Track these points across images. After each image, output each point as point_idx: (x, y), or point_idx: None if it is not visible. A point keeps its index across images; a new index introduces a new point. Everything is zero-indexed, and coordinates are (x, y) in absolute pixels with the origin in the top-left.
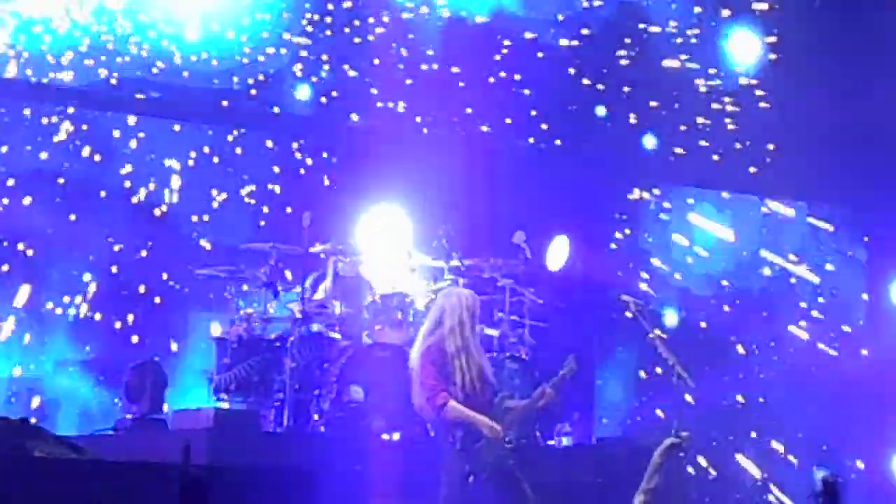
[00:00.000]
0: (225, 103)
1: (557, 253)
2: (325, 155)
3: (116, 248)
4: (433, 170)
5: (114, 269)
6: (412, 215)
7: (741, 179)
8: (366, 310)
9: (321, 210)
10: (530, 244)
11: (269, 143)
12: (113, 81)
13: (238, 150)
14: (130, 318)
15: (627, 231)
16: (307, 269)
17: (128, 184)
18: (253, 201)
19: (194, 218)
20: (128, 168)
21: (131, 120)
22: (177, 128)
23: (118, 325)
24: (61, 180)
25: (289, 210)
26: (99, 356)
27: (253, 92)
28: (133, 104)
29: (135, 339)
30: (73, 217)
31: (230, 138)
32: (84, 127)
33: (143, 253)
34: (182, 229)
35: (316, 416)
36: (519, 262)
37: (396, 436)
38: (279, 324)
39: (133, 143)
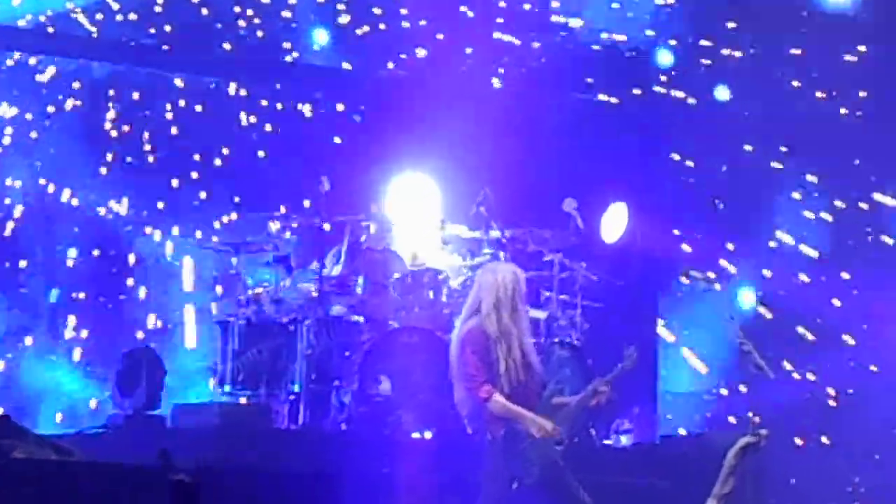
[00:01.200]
0: (228, 46)
1: (614, 222)
2: (340, 108)
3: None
4: (469, 128)
5: (96, 251)
6: (445, 180)
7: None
8: (393, 288)
9: (342, 175)
10: (582, 212)
11: (280, 103)
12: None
13: (243, 107)
14: (122, 297)
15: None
16: (326, 243)
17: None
18: (263, 161)
19: (194, 174)
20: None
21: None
22: (178, 82)
23: (108, 306)
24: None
25: (305, 175)
26: (86, 342)
27: (260, 34)
28: (134, 54)
29: (129, 322)
30: (52, 188)
31: (232, 91)
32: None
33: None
34: (181, 193)
35: (336, 412)
36: (569, 233)
37: (428, 434)
38: (293, 305)
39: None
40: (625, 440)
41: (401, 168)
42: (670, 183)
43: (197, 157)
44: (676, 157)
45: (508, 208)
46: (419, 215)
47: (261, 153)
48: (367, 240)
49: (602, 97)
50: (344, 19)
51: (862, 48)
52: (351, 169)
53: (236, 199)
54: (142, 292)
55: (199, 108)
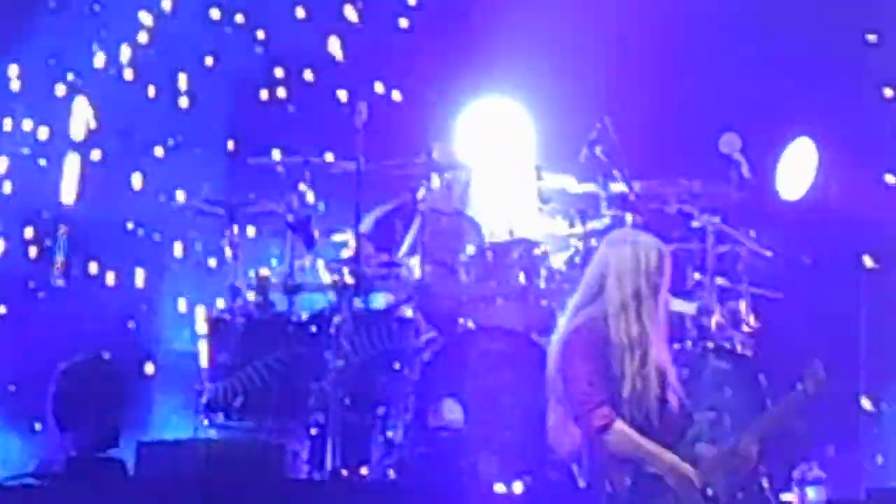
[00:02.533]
0: None
1: (797, 169)
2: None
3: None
4: (578, 30)
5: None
6: (543, 108)
7: None
8: (466, 270)
9: (389, 101)
10: (748, 155)
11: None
12: None
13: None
14: (60, 283)
15: None
16: (365, 202)
17: None
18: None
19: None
20: None
21: None
22: None
23: (40, 294)
24: None
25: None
26: (4, 349)
27: None
28: None
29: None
30: None
31: None
32: None
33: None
34: (144, 133)
35: (381, 454)
36: (730, 185)
37: (519, 486)
38: (316, 295)
39: None
40: (814, 495)
41: (478, 90)
42: (881, 109)
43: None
44: None
45: (638, 150)
46: (505, 161)
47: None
48: (428, 198)
49: None
50: None
51: None
52: (403, 92)
53: (230, 145)
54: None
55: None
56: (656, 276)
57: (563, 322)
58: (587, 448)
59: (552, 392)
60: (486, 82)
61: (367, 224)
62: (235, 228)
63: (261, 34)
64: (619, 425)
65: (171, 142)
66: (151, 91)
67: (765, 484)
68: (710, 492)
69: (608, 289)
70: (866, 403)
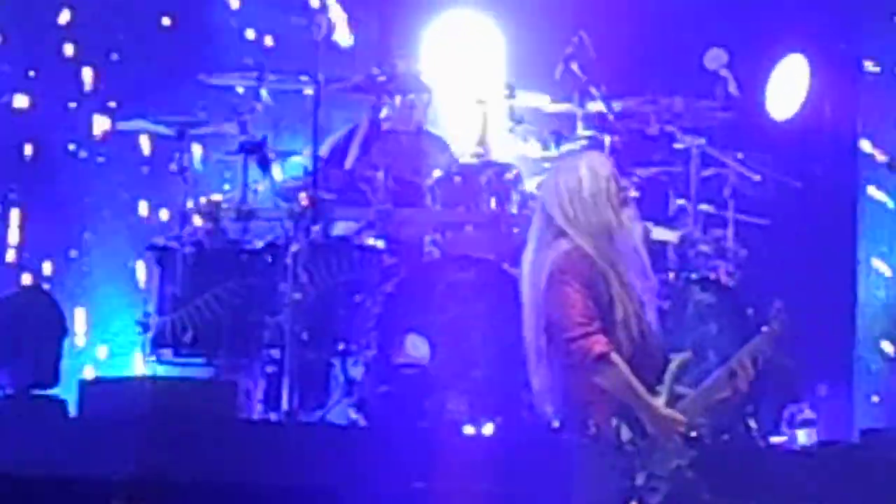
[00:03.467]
0: None
1: (787, 87)
2: None
3: None
4: None
5: None
6: (514, 22)
7: None
8: (432, 194)
9: (351, 14)
10: (735, 71)
11: None
12: None
13: None
14: None
15: None
16: (324, 121)
17: None
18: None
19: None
20: None
21: None
22: None
23: None
24: None
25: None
26: None
27: None
28: None
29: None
30: None
31: None
32: None
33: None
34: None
35: (341, 392)
36: (716, 103)
37: (489, 427)
38: (271, 221)
39: None
40: (803, 437)
41: (445, 2)
42: (877, 23)
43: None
44: None
45: (617, 66)
46: (473, 77)
47: None
48: (392, 116)
49: None
50: None
51: None
52: (365, 5)
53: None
54: None
55: None
56: (589, 197)
57: (531, 250)
58: (576, 382)
59: (530, 325)
60: None
61: (324, 148)
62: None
63: None
64: (617, 357)
65: (114, 56)
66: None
67: (752, 425)
68: (693, 434)
69: (573, 214)
70: (888, 347)
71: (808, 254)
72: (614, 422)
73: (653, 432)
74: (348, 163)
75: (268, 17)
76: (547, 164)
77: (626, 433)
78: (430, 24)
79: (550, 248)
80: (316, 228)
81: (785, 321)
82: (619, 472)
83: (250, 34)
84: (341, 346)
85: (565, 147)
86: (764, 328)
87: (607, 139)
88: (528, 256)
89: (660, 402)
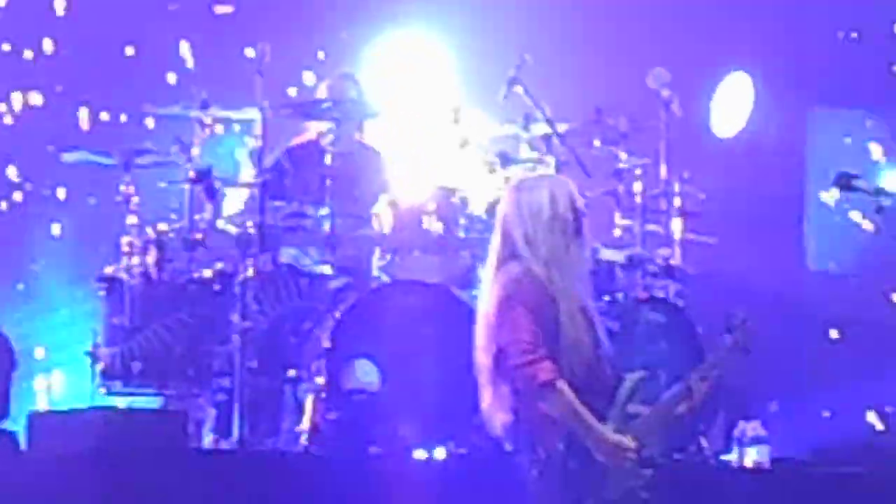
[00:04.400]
0: None
1: (732, 105)
2: None
3: None
4: None
5: None
6: (460, 42)
7: None
8: (378, 219)
9: (292, 37)
10: (679, 90)
11: None
12: None
13: None
14: None
15: None
16: (268, 144)
17: None
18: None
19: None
20: None
21: None
22: None
23: None
24: None
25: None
26: None
27: None
28: None
29: None
30: None
31: None
32: None
33: None
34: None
35: (291, 420)
36: (660, 122)
37: (441, 452)
38: (218, 250)
39: None
40: (754, 454)
41: (387, 23)
42: (822, 39)
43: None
44: None
45: (560, 87)
46: (419, 100)
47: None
48: (336, 140)
49: None
50: None
51: None
52: (305, 25)
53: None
54: None
55: None
56: (550, 219)
57: (488, 273)
58: (525, 407)
59: (482, 348)
60: (397, 13)
61: (268, 162)
62: (123, 185)
63: None
64: (563, 384)
65: (58, 88)
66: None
67: (703, 444)
68: (645, 453)
69: (525, 236)
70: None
71: (756, 270)
72: (561, 447)
73: (601, 459)
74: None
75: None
76: (494, 187)
77: (574, 459)
78: (374, 43)
79: (501, 272)
80: (264, 258)
81: (749, 330)
82: (568, 498)
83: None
84: (291, 374)
85: (511, 169)
86: (727, 337)
87: (552, 160)
88: (485, 276)
89: (608, 427)
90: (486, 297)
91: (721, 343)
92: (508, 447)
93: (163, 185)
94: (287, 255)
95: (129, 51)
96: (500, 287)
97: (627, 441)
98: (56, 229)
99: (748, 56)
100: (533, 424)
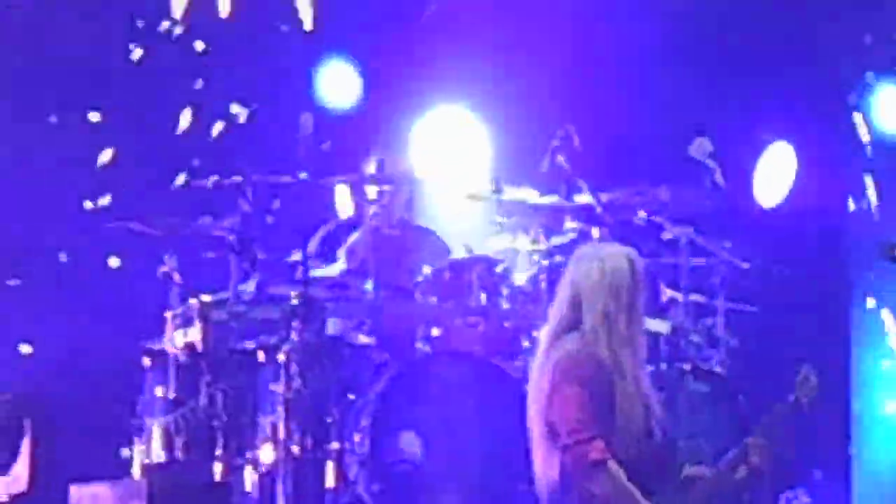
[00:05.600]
0: None
1: (775, 174)
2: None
3: None
4: (534, 32)
5: None
6: (498, 117)
7: None
8: (422, 291)
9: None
10: (721, 160)
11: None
12: None
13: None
14: None
15: None
16: (313, 220)
17: None
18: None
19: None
20: None
21: None
22: None
23: None
24: None
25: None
26: None
27: None
28: None
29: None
30: None
31: None
32: None
33: None
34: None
35: (335, 491)
36: (702, 193)
37: None
38: (261, 322)
39: None
40: None
41: (431, 101)
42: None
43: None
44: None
45: (603, 158)
46: (461, 174)
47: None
48: (380, 214)
49: None
50: None
51: None
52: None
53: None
54: None
55: None
56: (628, 292)
57: (542, 344)
58: (572, 484)
59: (533, 423)
60: (439, 92)
61: (313, 244)
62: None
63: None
64: (613, 464)
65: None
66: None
67: None
68: None
69: (590, 309)
70: None
71: (798, 340)
72: None
73: None
74: (335, 266)
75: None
76: (537, 258)
77: None
78: (417, 122)
79: (559, 343)
80: (307, 329)
81: (812, 385)
82: None
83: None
84: (335, 446)
85: (554, 240)
86: (790, 398)
87: (595, 231)
88: (541, 343)
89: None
90: (539, 366)
91: (781, 403)
92: None
93: (209, 255)
94: (333, 326)
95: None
96: (554, 363)
97: None
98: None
99: (790, 127)
100: (582, 501)
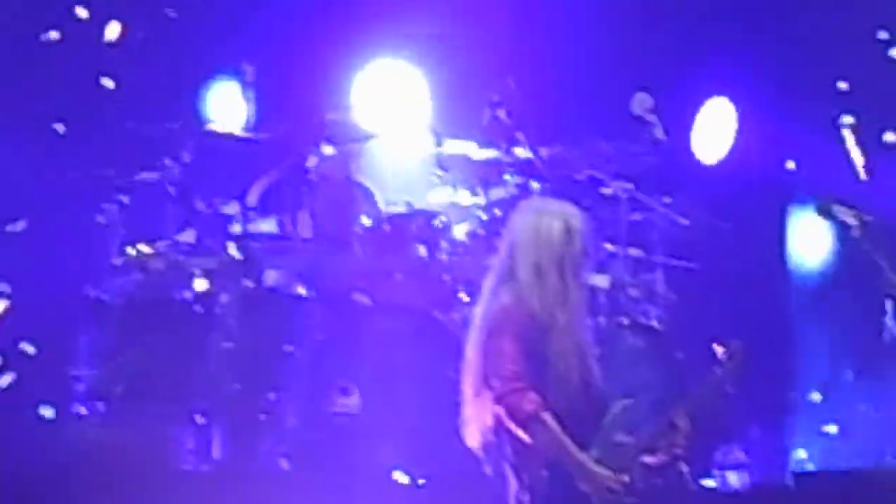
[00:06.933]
0: None
1: (714, 131)
2: None
3: None
4: None
5: None
6: (439, 71)
7: None
8: (361, 243)
9: (277, 63)
10: (662, 116)
11: None
12: None
13: None
14: None
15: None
16: (251, 172)
17: None
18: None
19: None
20: None
21: None
22: None
23: None
24: None
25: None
26: None
27: None
28: None
29: None
30: None
31: None
32: None
33: None
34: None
35: (272, 442)
36: (643, 148)
37: (421, 480)
38: (200, 272)
39: None
40: (736, 479)
41: (371, 54)
42: (801, 61)
43: None
44: None
45: (544, 112)
46: (401, 127)
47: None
48: (320, 166)
49: None
50: None
51: None
52: (291, 55)
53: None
54: None
55: None
56: (559, 247)
57: (485, 292)
58: (499, 434)
59: (469, 373)
60: (380, 45)
61: (253, 196)
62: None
63: None
64: (547, 415)
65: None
66: None
67: (683, 469)
68: (626, 478)
69: (523, 262)
70: None
71: (738, 296)
72: (545, 474)
73: (583, 487)
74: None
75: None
76: (476, 211)
77: (557, 487)
78: (358, 76)
79: (494, 297)
80: (246, 280)
81: (741, 362)
82: None
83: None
84: (271, 396)
85: (493, 194)
86: (717, 370)
87: (535, 185)
88: (483, 293)
89: (591, 455)
90: (477, 317)
91: (710, 377)
92: (489, 471)
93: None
94: (270, 277)
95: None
96: (492, 312)
97: (609, 472)
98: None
99: (732, 83)
100: (516, 451)
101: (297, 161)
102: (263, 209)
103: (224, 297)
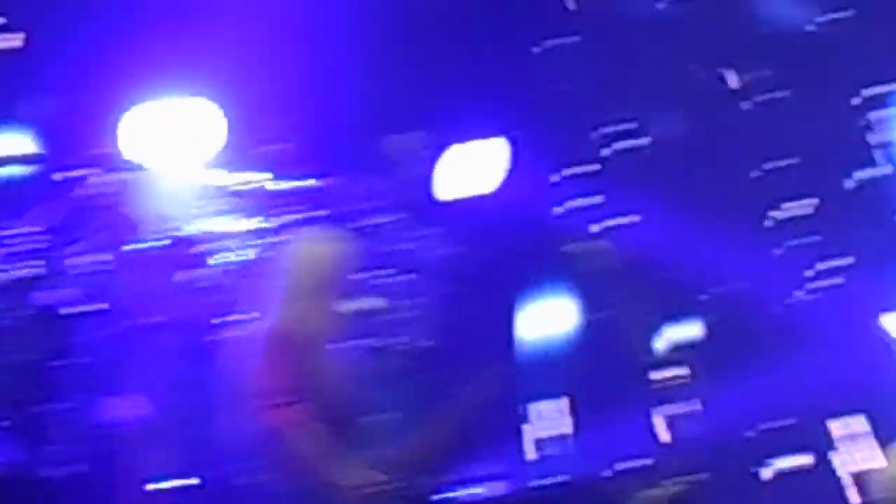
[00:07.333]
0: None
1: (458, 168)
2: None
3: None
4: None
5: None
6: (231, 109)
7: None
8: (121, 267)
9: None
10: (420, 154)
11: None
12: None
13: None
14: None
15: None
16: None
17: None
18: None
19: None
20: None
21: None
22: None
23: None
24: None
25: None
26: None
27: None
28: None
29: None
30: None
31: None
32: None
33: None
34: None
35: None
36: (388, 183)
37: (192, 482)
38: None
39: None
40: (484, 491)
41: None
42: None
43: None
44: None
45: (324, 145)
46: (172, 158)
47: None
48: (89, 195)
49: None
50: None
51: None
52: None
53: None
54: None
55: None
56: (329, 272)
57: (258, 317)
58: (267, 446)
59: (242, 388)
60: (168, 82)
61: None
62: None
63: None
64: (313, 429)
65: None
66: None
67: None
68: (394, 487)
69: (288, 286)
70: None
71: (495, 322)
72: (306, 484)
73: (348, 497)
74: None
75: None
76: (244, 239)
77: (321, 497)
78: (138, 107)
79: (266, 316)
80: (18, 298)
81: (495, 384)
82: None
83: None
84: (52, 409)
85: (255, 222)
86: (470, 390)
87: (312, 213)
88: (255, 317)
89: (347, 468)
90: (253, 333)
91: (455, 402)
92: (261, 476)
93: None
94: (41, 295)
95: None
96: (263, 330)
97: (372, 479)
98: None
99: (478, 123)
100: (284, 459)
101: (66, 189)
102: (32, 233)
103: None
